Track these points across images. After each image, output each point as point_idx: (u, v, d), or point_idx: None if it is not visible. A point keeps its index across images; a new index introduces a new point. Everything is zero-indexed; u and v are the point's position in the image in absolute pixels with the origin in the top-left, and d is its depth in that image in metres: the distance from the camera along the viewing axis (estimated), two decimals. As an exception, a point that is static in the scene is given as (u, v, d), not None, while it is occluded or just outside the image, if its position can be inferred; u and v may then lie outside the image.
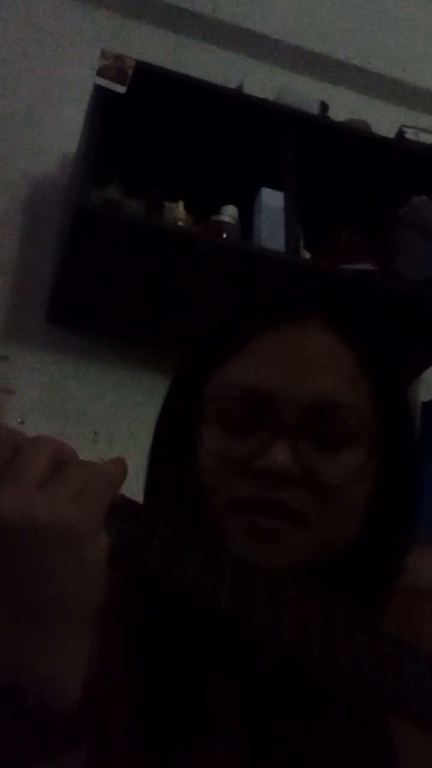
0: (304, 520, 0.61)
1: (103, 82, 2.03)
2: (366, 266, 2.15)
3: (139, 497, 0.73)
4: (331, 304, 0.68)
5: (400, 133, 2.40)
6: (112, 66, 2.04)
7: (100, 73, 2.03)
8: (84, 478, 0.50)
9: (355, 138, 2.29)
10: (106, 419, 2.04)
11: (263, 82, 2.40)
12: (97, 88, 2.04)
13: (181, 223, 2.16)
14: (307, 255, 2.22)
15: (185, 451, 0.66)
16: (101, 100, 2.03)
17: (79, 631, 0.49)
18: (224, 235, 2.09)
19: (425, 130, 2.40)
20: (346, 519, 0.64)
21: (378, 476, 0.66)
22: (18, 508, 0.47)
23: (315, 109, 2.32)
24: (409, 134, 2.38)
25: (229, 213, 2.14)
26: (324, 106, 2.38)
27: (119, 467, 0.53)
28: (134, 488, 0.72)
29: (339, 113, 2.41)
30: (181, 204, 2.19)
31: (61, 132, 2.28)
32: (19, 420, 1.93)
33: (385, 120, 2.46)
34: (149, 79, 2.06)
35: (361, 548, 0.65)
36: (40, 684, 0.48)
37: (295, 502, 0.61)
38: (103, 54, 2.05)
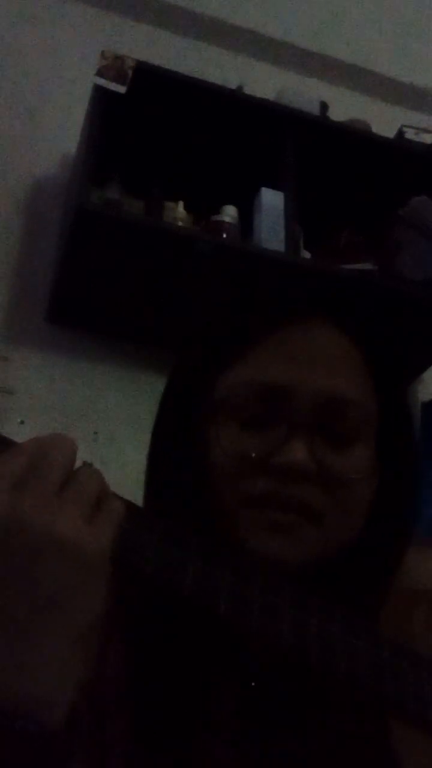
0: (318, 516, 0.62)
1: (103, 82, 2.03)
2: (366, 266, 2.15)
3: (139, 497, 0.73)
4: (333, 304, 0.69)
5: (400, 133, 2.40)
6: (112, 66, 2.04)
7: (100, 73, 2.03)
8: (97, 493, 0.51)
9: (355, 138, 2.29)
10: (106, 419, 2.04)
11: (263, 82, 2.40)
12: (97, 88, 2.04)
13: (181, 223, 2.16)
14: (307, 255, 2.22)
15: (193, 451, 0.66)
16: (101, 100, 2.03)
17: (71, 649, 0.48)
18: (224, 235, 2.09)
19: (425, 130, 2.40)
20: (356, 515, 0.65)
21: (380, 474, 0.66)
22: (38, 517, 0.47)
23: (315, 109, 2.32)
24: (409, 134, 2.38)
25: (229, 213, 2.14)
26: (324, 106, 2.38)
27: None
28: (135, 488, 0.72)
29: (339, 113, 2.41)
30: (181, 204, 2.19)
31: (61, 132, 2.28)
32: (19, 420, 1.93)
33: (385, 120, 2.46)
34: (149, 79, 2.06)
35: (362, 546, 0.65)
36: (28, 704, 0.47)
37: (310, 497, 0.62)
38: (103, 54, 2.05)
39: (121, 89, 2.03)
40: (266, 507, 0.62)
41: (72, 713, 0.48)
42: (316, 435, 0.62)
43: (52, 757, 0.48)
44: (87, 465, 0.53)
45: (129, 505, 0.54)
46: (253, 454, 0.63)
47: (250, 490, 0.63)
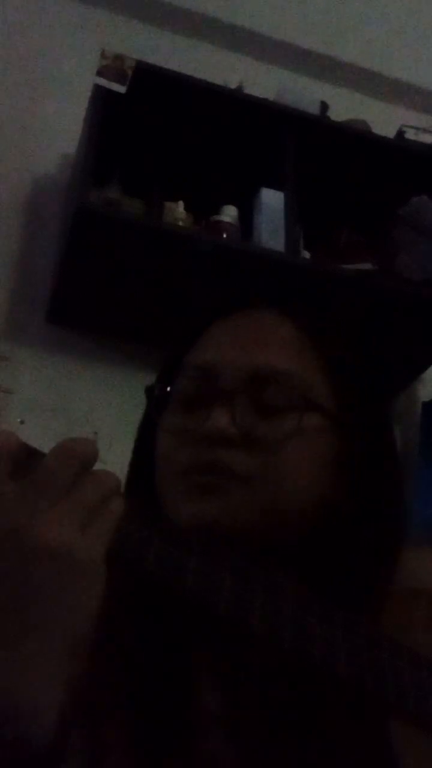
0: (242, 478, 0.64)
1: (103, 82, 2.03)
2: (366, 266, 2.15)
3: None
4: (282, 294, 0.74)
5: (400, 133, 2.39)
6: (112, 66, 2.04)
7: (100, 73, 2.03)
8: (98, 498, 0.51)
9: (355, 138, 2.29)
10: (106, 419, 2.04)
11: (263, 82, 2.40)
12: (97, 88, 2.04)
13: (181, 223, 2.16)
14: (307, 255, 2.22)
15: (149, 437, 0.71)
16: (101, 100, 2.03)
17: (63, 659, 0.48)
18: (224, 235, 2.09)
19: (425, 130, 2.40)
20: (291, 479, 0.66)
21: (342, 445, 0.68)
22: (31, 525, 0.47)
23: (315, 109, 2.32)
24: (409, 134, 2.38)
25: (229, 213, 2.14)
26: (324, 106, 2.38)
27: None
28: (134, 488, 0.72)
29: (339, 113, 2.40)
30: (181, 204, 2.19)
31: (61, 132, 2.28)
32: (19, 420, 1.93)
33: (385, 120, 2.46)
34: (149, 79, 2.06)
35: (329, 516, 0.66)
36: (18, 714, 0.46)
37: (234, 463, 0.64)
38: (103, 54, 2.05)
39: (121, 89, 2.03)
40: (192, 473, 0.65)
41: (62, 721, 0.48)
42: (241, 404, 0.66)
43: (42, 764, 0.48)
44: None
45: (132, 505, 0.53)
46: (185, 429, 0.67)
47: (180, 461, 0.66)
